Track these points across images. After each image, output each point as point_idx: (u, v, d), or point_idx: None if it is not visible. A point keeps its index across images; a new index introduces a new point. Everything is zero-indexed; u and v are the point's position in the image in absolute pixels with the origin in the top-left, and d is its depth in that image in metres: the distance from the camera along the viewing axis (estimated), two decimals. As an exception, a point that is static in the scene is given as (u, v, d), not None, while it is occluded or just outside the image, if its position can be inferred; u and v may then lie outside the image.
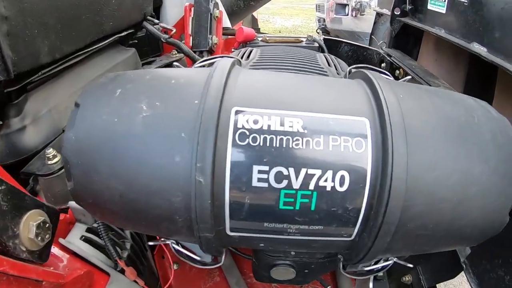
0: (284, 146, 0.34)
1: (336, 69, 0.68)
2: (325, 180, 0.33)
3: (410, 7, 0.95)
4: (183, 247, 0.47)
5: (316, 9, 5.13)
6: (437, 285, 0.79)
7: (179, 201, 0.35)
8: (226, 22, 1.05)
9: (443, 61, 0.90)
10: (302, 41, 0.96)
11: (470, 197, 0.37)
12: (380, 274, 0.88)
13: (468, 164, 0.37)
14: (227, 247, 0.43)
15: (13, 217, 0.34)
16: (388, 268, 0.88)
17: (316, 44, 0.95)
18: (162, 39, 0.92)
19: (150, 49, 1.00)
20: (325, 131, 0.34)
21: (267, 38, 0.95)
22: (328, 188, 0.34)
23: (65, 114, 0.64)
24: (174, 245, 0.46)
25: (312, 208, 0.34)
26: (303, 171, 0.33)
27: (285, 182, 0.33)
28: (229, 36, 1.10)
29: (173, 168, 0.34)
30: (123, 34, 0.87)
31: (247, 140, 0.34)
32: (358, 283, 0.79)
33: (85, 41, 0.76)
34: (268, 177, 0.33)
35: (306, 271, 0.53)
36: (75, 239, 0.56)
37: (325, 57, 0.75)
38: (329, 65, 0.69)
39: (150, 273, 0.71)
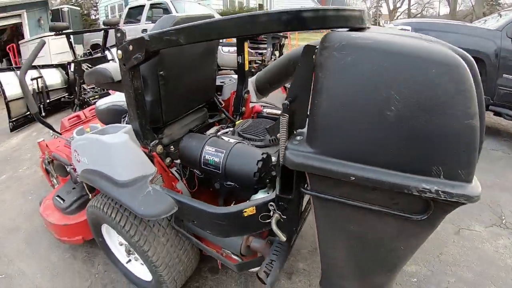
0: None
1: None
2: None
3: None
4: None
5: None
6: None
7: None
8: (253, 98, 2.34)
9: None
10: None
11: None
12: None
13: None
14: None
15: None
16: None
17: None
18: (219, 107, 2.27)
19: (214, 108, 2.35)
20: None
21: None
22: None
23: (176, 136, 1.98)
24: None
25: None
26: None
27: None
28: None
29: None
30: (203, 104, 2.25)
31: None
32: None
33: (188, 109, 2.15)
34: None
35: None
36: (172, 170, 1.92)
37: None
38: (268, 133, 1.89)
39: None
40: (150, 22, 8.20)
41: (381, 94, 0.82)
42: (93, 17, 20.20)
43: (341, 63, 0.85)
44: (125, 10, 9.54)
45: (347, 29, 0.98)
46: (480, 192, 0.86)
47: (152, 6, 8.58)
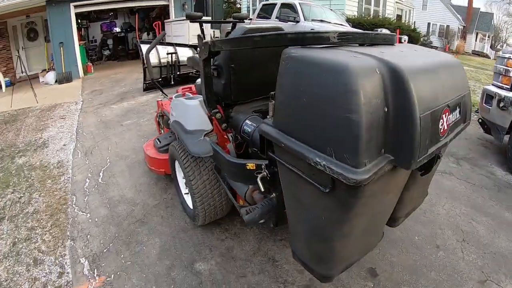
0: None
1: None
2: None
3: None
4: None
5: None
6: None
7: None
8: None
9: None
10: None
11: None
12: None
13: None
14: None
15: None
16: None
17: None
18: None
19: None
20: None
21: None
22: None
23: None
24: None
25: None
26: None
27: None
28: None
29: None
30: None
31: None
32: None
33: (254, 96, 2.94)
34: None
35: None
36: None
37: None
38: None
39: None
40: (278, 20, 9.28)
41: (299, 88, 1.28)
42: (238, 5, 22.64)
43: (285, 68, 1.36)
44: (259, 6, 10.87)
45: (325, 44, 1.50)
46: (362, 179, 1.08)
47: (283, 5, 9.66)
